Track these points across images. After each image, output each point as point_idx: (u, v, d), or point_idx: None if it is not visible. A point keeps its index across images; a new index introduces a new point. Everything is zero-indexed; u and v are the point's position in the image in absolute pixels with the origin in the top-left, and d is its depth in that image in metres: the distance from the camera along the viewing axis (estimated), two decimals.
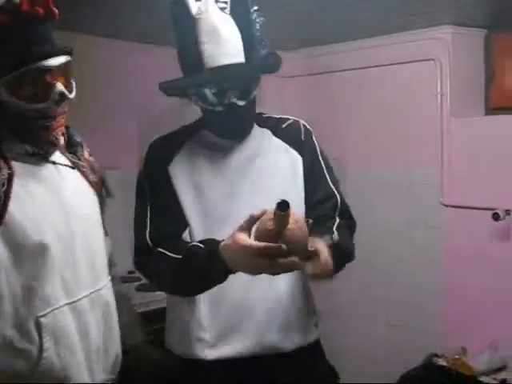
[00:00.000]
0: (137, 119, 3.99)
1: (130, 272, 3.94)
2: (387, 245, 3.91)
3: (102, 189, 1.81)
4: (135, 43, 3.83)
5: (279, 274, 1.51)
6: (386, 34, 3.74)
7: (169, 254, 1.67)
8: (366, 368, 3.77)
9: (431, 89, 3.66)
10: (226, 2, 1.72)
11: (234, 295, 1.72)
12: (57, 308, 1.51)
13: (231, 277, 1.63)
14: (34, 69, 1.48)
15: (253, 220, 1.50)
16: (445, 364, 3.40)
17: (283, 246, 1.42)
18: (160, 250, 1.69)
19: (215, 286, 1.62)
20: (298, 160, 1.85)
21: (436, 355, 3.50)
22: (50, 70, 1.51)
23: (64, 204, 1.59)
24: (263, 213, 1.48)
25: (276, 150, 1.84)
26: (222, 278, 1.59)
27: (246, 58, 1.70)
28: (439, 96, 3.64)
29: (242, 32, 1.71)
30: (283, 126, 1.90)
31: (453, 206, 3.63)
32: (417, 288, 3.80)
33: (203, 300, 1.73)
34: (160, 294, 3.41)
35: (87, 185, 1.72)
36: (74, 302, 1.56)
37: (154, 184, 1.78)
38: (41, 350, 1.47)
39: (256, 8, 1.77)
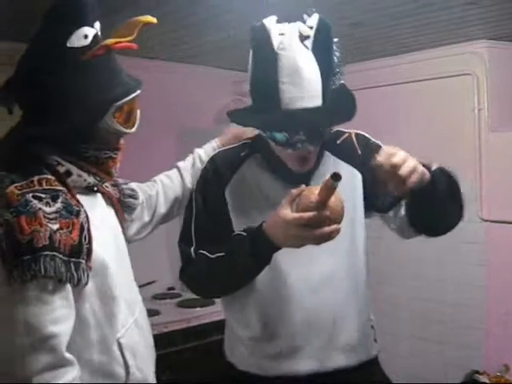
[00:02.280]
0: (177, 138, 4.06)
1: (169, 288, 4.01)
2: (426, 259, 3.89)
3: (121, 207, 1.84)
4: (174, 63, 3.92)
5: (322, 243, 1.55)
6: (421, 49, 3.74)
7: (212, 255, 1.68)
8: None
9: (469, 104, 3.64)
10: (308, 36, 1.62)
11: (296, 314, 1.72)
12: (128, 327, 1.59)
13: (296, 295, 1.68)
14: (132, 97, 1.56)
15: (293, 196, 1.55)
16: (487, 381, 3.35)
17: (327, 213, 1.49)
18: (203, 252, 1.71)
19: (263, 268, 1.64)
20: (356, 178, 1.82)
21: (478, 372, 3.45)
22: (135, 98, 1.58)
23: (109, 227, 1.65)
24: (302, 190, 1.54)
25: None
26: (269, 257, 1.62)
27: (323, 96, 1.62)
28: (477, 111, 3.62)
29: (321, 68, 1.61)
30: (338, 141, 1.86)
31: (492, 221, 3.60)
32: (458, 303, 3.75)
33: (263, 318, 1.75)
34: (201, 310, 3.46)
35: (109, 203, 1.76)
36: (135, 319, 1.64)
37: (207, 204, 1.79)
38: (127, 368, 1.56)
39: (336, 40, 1.69)
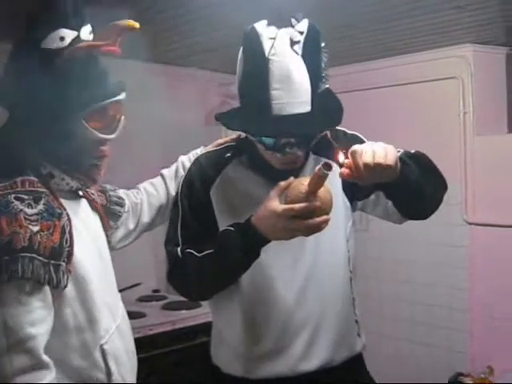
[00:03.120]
0: (163, 139, 4.04)
1: (154, 291, 3.99)
2: (411, 262, 3.91)
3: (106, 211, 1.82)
4: (160, 65, 3.91)
5: (312, 234, 1.56)
6: (407, 53, 3.76)
7: (199, 254, 1.67)
8: None
9: (454, 107, 3.67)
10: (298, 41, 1.61)
11: (280, 315, 1.72)
12: (112, 333, 1.58)
13: (281, 297, 1.68)
14: (111, 102, 1.52)
15: (281, 188, 1.56)
16: (471, 383, 3.38)
17: (318, 203, 1.50)
18: (190, 251, 1.70)
19: (252, 263, 1.63)
20: (335, 176, 1.76)
21: (462, 374, 3.47)
22: (117, 103, 1.55)
23: (92, 232, 1.64)
24: (290, 181, 1.55)
25: None
26: (258, 251, 1.61)
27: (311, 101, 1.61)
28: (462, 114, 3.65)
29: (310, 73, 1.61)
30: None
31: (477, 224, 3.62)
32: (443, 306, 3.78)
33: (248, 320, 1.74)
34: (186, 313, 3.45)
35: (94, 209, 1.74)
36: (118, 325, 1.63)
37: (192, 204, 1.78)
38: (109, 374, 1.55)
39: (324, 45, 1.69)
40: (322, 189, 1.51)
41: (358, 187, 1.70)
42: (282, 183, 1.57)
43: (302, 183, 1.52)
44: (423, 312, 3.86)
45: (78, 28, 1.49)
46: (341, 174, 1.50)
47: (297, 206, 1.51)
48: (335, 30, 3.13)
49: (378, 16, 2.93)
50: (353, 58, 3.91)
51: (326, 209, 1.53)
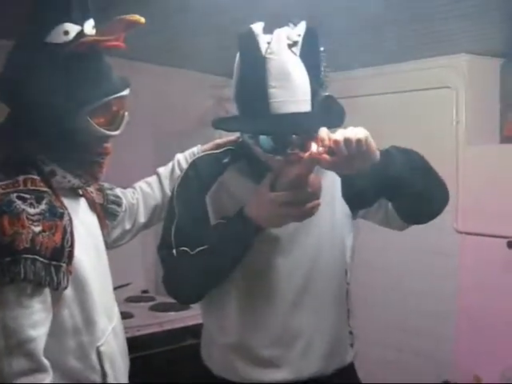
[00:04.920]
0: (155, 141, 4.04)
1: (143, 291, 3.98)
2: (400, 269, 3.91)
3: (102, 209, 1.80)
4: (152, 65, 3.90)
5: (304, 219, 1.58)
6: (401, 61, 3.76)
7: (193, 251, 1.66)
8: None
9: (447, 116, 3.67)
10: (296, 42, 1.61)
11: (275, 325, 1.72)
12: (108, 335, 1.58)
13: (275, 305, 1.69)
14: (116, 98, 1.51)
15: (272, 177, 1.57)
16: None
17: (309, 189, 1.53)
18: (184, 249, 1.68)
19: (246, 253, 1.63)
20: (336, 183, 1.81)
21: (448, 382, 3.47)
22: (121, 99, 1.54)
23: (90, 232, 1.63)
24: (281, 169, 1.57)
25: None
26: (252, 240, 1.62)
27: (312, 103, 1.61)
28: (455, 123, 3.65)
29: (309, 74, 1.61)
30: None
31: (467, 233, 3.63)
32: (429, 314, 3.77)
33: (241, 326, 1.74)
34: (175, 314, 3.44)
35: (92, 208, 1.73)
36: (113, 326, 1.63)
37: (187, 208, 1.76)
38: (104, 377, 1.54)
39: (322, 49, 1.70)
40: (311, 175, 1.54)
41: (363, 195, 1.72)
42: (274, 171, 1.58)
43: (293, 171, 1.53)
44: (411, 320, 3.86)
45: (81, 22, 1.47)
46: (322, 160, 1.45)
47: (290, 192, 1.52)
48: (330, 36, 3.13)
49: (371, 24, 2.93)
50: (346, 64, 3.91)
51: (316, 194, 1.57)
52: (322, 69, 1.70)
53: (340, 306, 1.81)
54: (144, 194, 2.00)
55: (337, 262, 1.80)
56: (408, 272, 3.88)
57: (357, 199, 1.81)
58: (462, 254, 3.66)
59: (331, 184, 1.78)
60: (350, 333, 1.86)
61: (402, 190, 1.65)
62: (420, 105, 3.79)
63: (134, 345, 3.03)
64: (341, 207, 1.80)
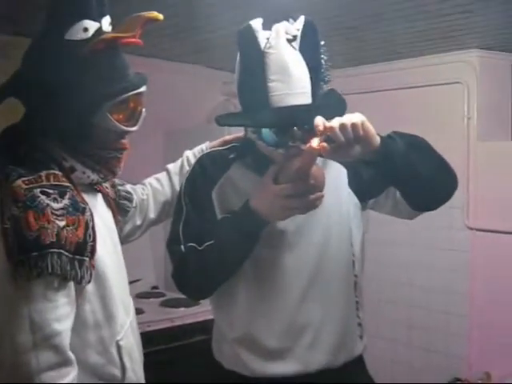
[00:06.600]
0: (165, 137, 4.04)
1: (153, 287, 3.99)
2: (411, 265, 3.91)
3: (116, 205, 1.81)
4: (163, 61, 3.90)
5: (308, 211, 1.59)
6: (413, 56, 3.76)
7: (201, 247, 1.67)
8: None
9: (458, 112, 3.66)
10: (295, 36, 1.62)
11: (284, 316, 1.72)
12: (126, 329, 1.59)
13: (283, 298, 1.69)
14: (134, 94, 1.51)
15: (275, 170, 1.58)
16: None
17: (312, 181, 1.54)
18: (192, 245, 1.69)
19: (253, 247, 1.64)
20: (342, 175, 1.80)
21: (459, 379, 3.47)
22: (139, 95, 1.54)
23: (108, 227, 1.63)
24: (283, 162, 1.58)
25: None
26: (258, 233, 1.63)
27: (312, 96, 1.61)
28: (466, 119, 3.64)
29: (309, 68, 1.61)
30: None
31: (478, 230, 3.62)
32: (442, 310, 3.77)
33: (249, 319, 1.74)
34: (185, 310, 3.45)
35: (107, 204, 1.74)
36: (131, 321, 1.64)
37: (195, 204, 1.77)
38: (123, 370, 1.55)
39: (323, 43, 1.69)
40: (314, 167, 1.54)
41: (370, 185, 1.73)
42: (276, 164, 1.59)
43: (295, 163, 1.54)
44: (421, 316, 3.86)
45: (99, 19, 1.47)
46: (321, 149, 1.45)
47: (293, 184, 1.53)
48: (343, 31, 3.13)
49: (384, 19, 2.92)
50: (359, 60, 3.91)
51: (319, 186, 1.57)
52: (324, 63, 1.71)
53: (348, 297, 1.81)
54: (154, 190, 2.00)
55: (344, 254, 1.79)
56: (419, 268, 3.87)
57: (364, 189, 1.81)
58: (473, 250, 3.65)
59: (337, 176, 1.78)
60: (359, 325, 1.85)
61: (408, 174, 1.64)
62: (431, 100, 3.78)
63: (145, 340, 3.06)
64: (348, 199, 1.81)
